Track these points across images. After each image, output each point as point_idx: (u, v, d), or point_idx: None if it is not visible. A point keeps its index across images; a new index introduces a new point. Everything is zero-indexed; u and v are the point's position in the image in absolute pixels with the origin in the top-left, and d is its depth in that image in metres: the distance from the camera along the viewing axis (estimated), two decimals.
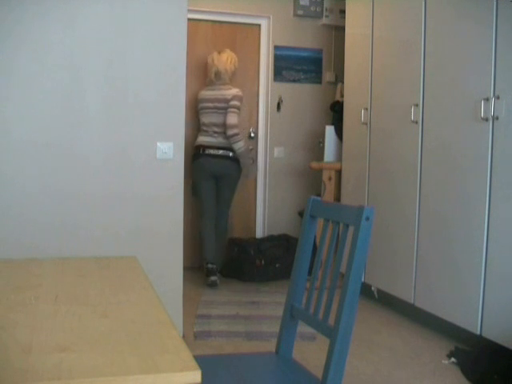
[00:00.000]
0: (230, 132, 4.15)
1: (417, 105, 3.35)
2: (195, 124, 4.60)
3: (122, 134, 2.76)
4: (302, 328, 1.84)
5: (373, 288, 3.86)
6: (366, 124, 3.90)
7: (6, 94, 2.58)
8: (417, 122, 3.36)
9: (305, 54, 5.22)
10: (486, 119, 2.81)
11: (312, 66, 5.26)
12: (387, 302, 3.75)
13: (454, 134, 3.07)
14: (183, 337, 2.99)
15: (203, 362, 1.13)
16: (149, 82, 2.79)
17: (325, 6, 5.11)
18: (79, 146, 2.70)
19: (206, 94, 4.34)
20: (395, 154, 3.61)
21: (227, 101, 4.20)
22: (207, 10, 4.86)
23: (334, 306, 1.52)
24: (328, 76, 5.29)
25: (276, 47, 5.16)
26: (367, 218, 1.47)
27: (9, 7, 2.53)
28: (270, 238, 4.75)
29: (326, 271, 1.65)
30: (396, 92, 3.60)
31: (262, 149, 5.29)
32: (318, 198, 1.80)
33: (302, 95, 5.26)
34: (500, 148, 2.76)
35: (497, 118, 2.76)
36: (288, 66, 5.20)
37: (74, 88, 2.67)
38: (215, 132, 4.29)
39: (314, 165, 4.62)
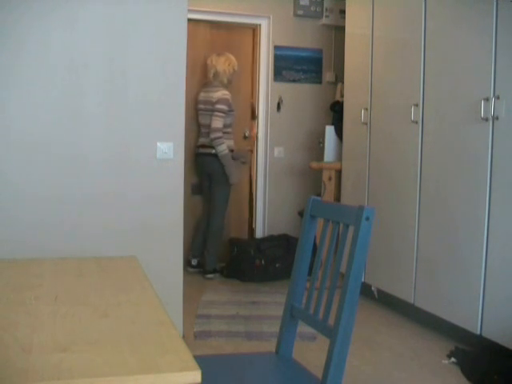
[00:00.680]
0: (212, 135, 4.24)
1: (417, 105, 3.35)
2: (193, 125, 4.62)
3: (122, 134, 2.76)
4: (302, 328, 1.84)
5: (373, 288, 3.86)
6: (366, 124, 3.90)
7: (6, 94, 2.58)
8: (417, 122, 3.36)
9: (305, 54, 5.22)
10: (486, 119, 2.81)
11: (312, 66, 5.26)
12: (387, 301, 3.75)
13: (454, 134, 3.07)
14: (183, 337, 2.98)
15: (203, 362, 1.13)
16: (149, 82, 2.79)
17: (325, 6, 5.11)
18: (79, 146, 2.70)
19: (201, 95, 4.44)
20: (395, 153, 3.61)
21: (213, 103, 4.26)
22: (207, 10, 4.86)
23: (334, 306, 1.52)
24: (328, 76, 5.29)
25: (276, 47, 5.16)
26: (367, 218, 1.47)
27: (9, 8, 2.53)
28: (270, 238, 4.75)
29: (326, 271, 1.65)
30: (396, 92, 3.60)
31: (262, 149, 5.29)
32: (318, 198, 1.80)
33: (302, 95, 5.26)
34: (500, 148, 2.76)
35: (497, 118, 2.76)
36: (288, 65, 5.20)
37: (75, 88, 2.67)
38: (206, 133, 4.37)
39: (314, 165, 4.62)
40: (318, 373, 1.56)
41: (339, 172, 4.31)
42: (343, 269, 1.49)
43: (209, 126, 4.31)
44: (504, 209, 2.74)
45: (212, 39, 4.96)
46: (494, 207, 2.80)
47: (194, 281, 4.36)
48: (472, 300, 2.91)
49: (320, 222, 1.78)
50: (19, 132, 2.61)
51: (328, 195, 4.29)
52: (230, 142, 4.42)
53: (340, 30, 4.79)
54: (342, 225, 1.63)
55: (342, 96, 4.53)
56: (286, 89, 5.22)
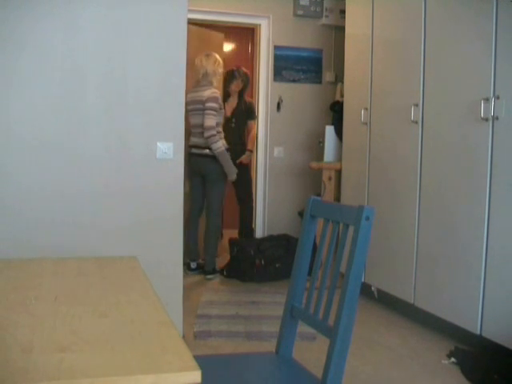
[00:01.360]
0: (206, 134, 4.20)
1: (417, 105, 3.35)
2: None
3: (122, 134, 2.76)
4: (302, 328, 1.84)
5: (373, 288, 3.86)
6: (366, 124, 3.90)
7: (7, 94, 2.58)
8: (417, 122, 3.36)
9: (305, 54, 5.23)
10: (486, 119, 2.81)
11: (312, 66, 5.26)
12: (387, 302, 3.75)
13: (454, 134, 3.07)
14: (183, 337, 2.99)
15: (203, 362, 1.13)
16: (149, 82, 2.79)
17: (325, 5, 5.11)
18: (79, 145, 2.70)
19: (190, 95, 4.40)
20: (395, 154, 3.61)
21: (203, 102, 4.25)
22: (207, 10, 4.87)
23: (334, 306, 1.52)
24: (328, 76, 5.30)
25: (276, 47, 5.16)
26: (367, 218, 1.47)
27: (9, 9, 2.53)
28: (270, 238, 4.75)
29: (325, 271, 1.65)
30: (396, 92, 3.60)
31: (262, 149, 5.29)
32: (318, 198, 1.80)
33: (302, 95, 5.27)
34: (500, 148, 2.76)
35: (497, 118, 2.76)
36: (288, 65, 5.20)
37: (75, 88, 2.67)
38: (199, 133, 4.35)
39: (314, 165, 4.62)
40: (318, 373, 1.56)
41: (339, 172, 4.31)
42: (343, 269, 1.49)
43: (201, 125, 4.28)
44: (504, 209, 2.74)
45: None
46: (493, 207, 2.80)
47: (194, 281, 4.37)
48: (472, 300, 2.91)
49: (320, 221, 1.78)
50: (19, 132, 2.61)
51: (328, 195, 4.29)
52: (222, 141, 4.36)
53: (340, 29, 4.79)
54: (341, 225, 1.63)
55: (342, 96, 4.53)
56: (286, 89, 5.22)
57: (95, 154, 2.73)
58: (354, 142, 4.09)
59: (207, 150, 4.31)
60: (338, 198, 4.29)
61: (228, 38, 6.44)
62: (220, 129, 4.36)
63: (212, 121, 4.20)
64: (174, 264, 2.92)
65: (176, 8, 2.80)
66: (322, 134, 4.65)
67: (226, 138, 4.69)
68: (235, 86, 4.89)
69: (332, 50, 5.25)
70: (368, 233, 1.48)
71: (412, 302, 3.42)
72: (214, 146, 4.21)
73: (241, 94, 4.94)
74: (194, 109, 4.34)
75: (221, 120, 4.37)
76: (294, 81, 5.23)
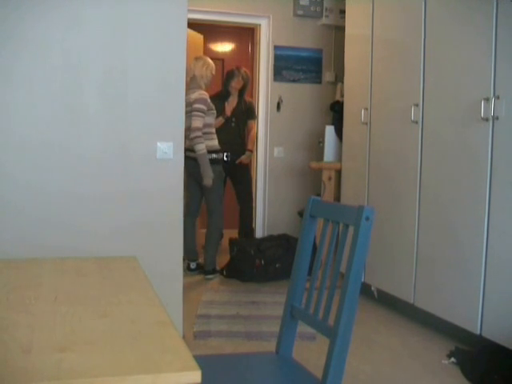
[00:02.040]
0: (192, 135, 4.18)
1: (417, 105, 3.35)
2: None
3: (122, 134, 2.76)
4: (302, 328, 1.84)
5: (373, 288, 3.86)
6: (366, 124, 3.90)
7: (6, 94, 2.58)
8: (417, 122, 3.36)
9: (305, 53, 5.23)
10: (486, 119, 2.81)
11: (312, 65, 5.26)
12: (387, 302, 3.75)
13: (454, 134, 3.07)
14: (183, 337, 2.99)
15: (203, 361, 1.13)
16: (149, 82, 2.79)
17: (325, 5, 5.11)
18: (79, 145, 2.70)
19: None
20: (395, 154, 3.61)
21: (191, 104, 4.23)
22: (207, 10, 4.87)
23: (334, 306, 1.52)
24: (328, 76, 5.30)
25: (276, 47, 5.16)
26: (367, 218, 1.47)
27: (9, 8, 2.53)
28: (270, 238, 4.75)
29: (325, 271, 1.65)
30: (396, 92, 3.60)
31: (262, 149, 5.30)
32: (318, 198, 1.80)
33: (302, 95, 5.27)
34: (500, 148, 2.76)
35: (497, 118, 2.76)
36: (288, 65, 5.20)
37: (75, 88, 2.67)
38: (188, 135, 4.32)
39: (314, 165, 4.62)
40: (318, 373, 1.56)
41: (339, 172, 4.31)
42: (343, 269, 1.49)
43: (188, 128, 4.28)
44: (504, 209, 2.74)
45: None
46: (493, 207, 2.80)
47: (194, 281, 4.37)
48: (472, 300, 2.90)
49: (320, 221, 1.78)
50: (19, 132, 2.61)
51: (328, 195, 4.29)
52: (214, 142, 4.34)
53: (340, 29, 4.79)
54: (341, 225, 1.63)
55: (342, 96, 4.53)
56: (286, 89, 5.22)
57: (95, 153, 2.73)
58: (354, 141, 4.09)
59: (195, 153, 4.26)
60: (338, 198, 4.29)
61: (228, 38, 6.45)
62: (211, 129, 4.33)
63: (198, 122, 4.18)
64: (174, 264, 2.92)
65: (176, 8, 2.80)
66: (322, 134, 4.65)
67: (225, 137, 4.68)
68: (236, 84, 4.87)
69: (332, 50, 5.25)
70: (368, 233, 1.48)
71: (412, 302, 3.42)
72: (197, 148, 4.18)
73: (241, 94, 4.93)
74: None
75: (211, 121, 4.32)
76: (293, 81, 5.23)
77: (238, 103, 4.94)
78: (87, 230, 2.73)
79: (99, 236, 2.74)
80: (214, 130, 4.37)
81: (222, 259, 4.73)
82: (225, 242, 5.03)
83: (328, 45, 5.25)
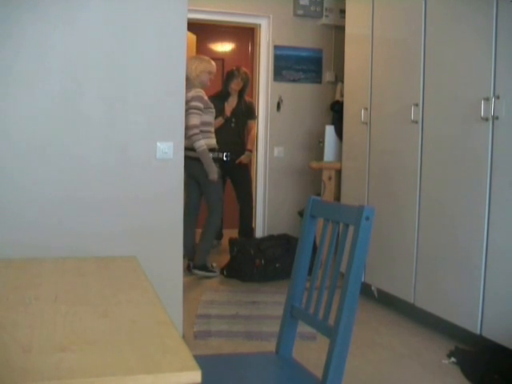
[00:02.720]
0: (190, 132, 4.15)
1: (417, 105, 3.35)
2: None
3: (121, 134, 2.76)
4: (302, 328, 1.84)
5: (373, 288, 3.86)
6: (366, 124, 3.90)
7: (5, 95, 2.58)
8: (417, 122, 3.36)
9: (305, 53, 5.23)
10: (486, 119, 2.81)
11: (312, 65, 5.26)
12: (387, 302, 3.75)
13: (454, 134, 3.07)
14: (183, 337, 2.99)
15: (203, 361, 1.13)
16: (149, 82, 2.79)
17: (325, 5, 5.11)
18: (79, 146, 2.70)
19: None
20: (395, 153, 3.61)
21: (187, 102, 4.22)
22: (207, 9, 4.87)
23: (334, 306, 1.52)
24: (328, 76, 5.30)
25: (276, 47, 5.16)
26: (367, 218, 1.47)
27: (9, 8, 2.53)
28: (270, 238, 4.75)
29: (326, 271, 1.65)
30: (396, 92, 3.60)
31: (262, 149, 5.30)
32: (318, 198, 1.80)
33: (302, 95, 5.27)
34: (500, 148, 2.76)
35: (497, 118, 2.76)
36: (288, 65, 5.20)
37: (74, 88, 2.67)
38: (186, 134, 4.32)
39: (314, 164, 4.62)
40: (318, 373, 1.56)
41: (339, 172, 4.31)
42: (343, 269, 1.49)
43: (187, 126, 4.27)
44: (504, 209, 2.74)
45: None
46: (493, 207, 2.80)
47: (194, 281, 4.36)
48: (472, 300, 2.90)
49: (320, 221, 1.78)
50: (19, 132, 2.61)
51: (328, 195, 4.29)
52: (212, 141, 4.32)
53: (340, 29, 4.79)
54: (341, 225, 1.63)
55: (342, 96, 4.53)
56: (286, 89, 5.22)
57: (95, 153, 2.72)
58: (354, 141, 4.09)
59: (193, 152, 4.22)
60: (338, 198, 4.29)
61: (228, 38, 6.46)
62: (209, 128, 4.32)
63: (195, 120, 4.18)
64: (174, 264, 2.92)
65: (176, 8, 2.80)
66: (322, 134, 4.65)
67: (225, 138, 4.68)
68: (235, 85, 4.88)
69: (332, 50, 5.25)
70: (368, 233, 1.48)
71: (412, 301, 3.42)
72: (196, 145, 4.17)
73: (241, 94, 4.93)
74: None
75: (209, 119, 4.31)
76: (294, 81, 5.23)
77: (238, 103, 4.94)
78: (87, 230, 2.72)
79: (99, 236, 2.74)
80: (212, 129, 4.36)
81: (222, 259, 4.73)
82: (225, 242, 5.03)
83: (328, 45, 5.25)
